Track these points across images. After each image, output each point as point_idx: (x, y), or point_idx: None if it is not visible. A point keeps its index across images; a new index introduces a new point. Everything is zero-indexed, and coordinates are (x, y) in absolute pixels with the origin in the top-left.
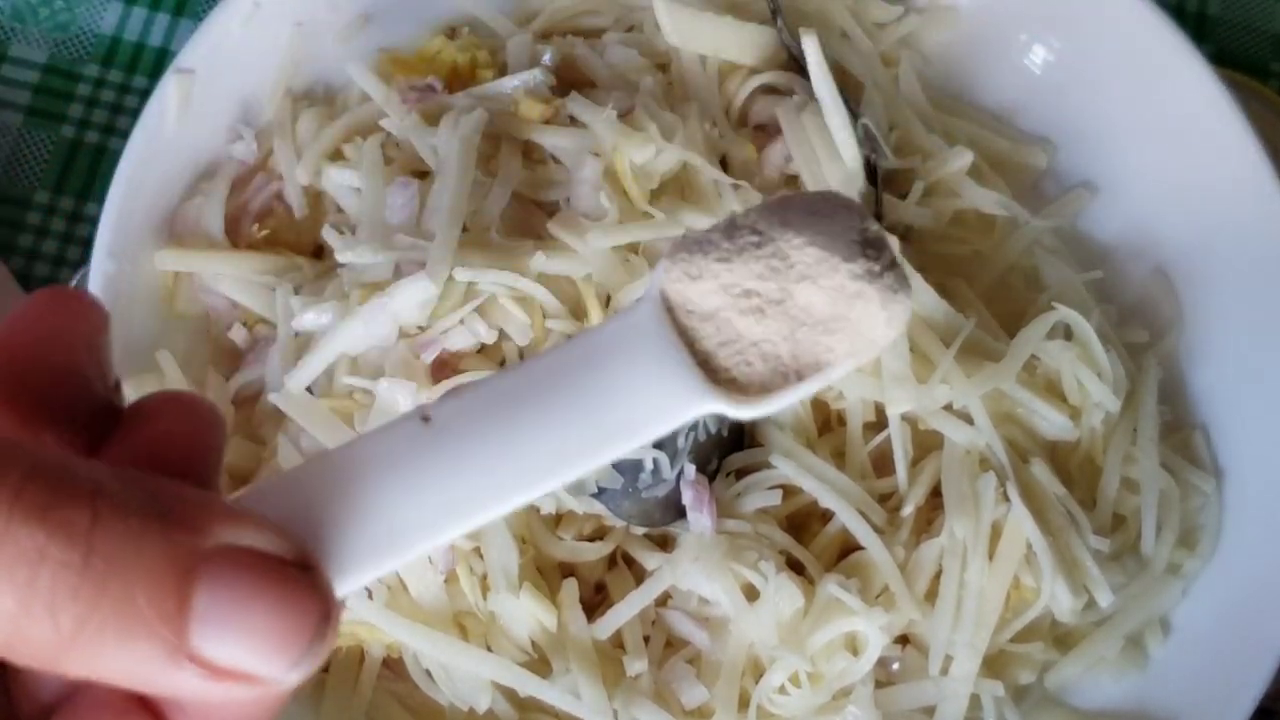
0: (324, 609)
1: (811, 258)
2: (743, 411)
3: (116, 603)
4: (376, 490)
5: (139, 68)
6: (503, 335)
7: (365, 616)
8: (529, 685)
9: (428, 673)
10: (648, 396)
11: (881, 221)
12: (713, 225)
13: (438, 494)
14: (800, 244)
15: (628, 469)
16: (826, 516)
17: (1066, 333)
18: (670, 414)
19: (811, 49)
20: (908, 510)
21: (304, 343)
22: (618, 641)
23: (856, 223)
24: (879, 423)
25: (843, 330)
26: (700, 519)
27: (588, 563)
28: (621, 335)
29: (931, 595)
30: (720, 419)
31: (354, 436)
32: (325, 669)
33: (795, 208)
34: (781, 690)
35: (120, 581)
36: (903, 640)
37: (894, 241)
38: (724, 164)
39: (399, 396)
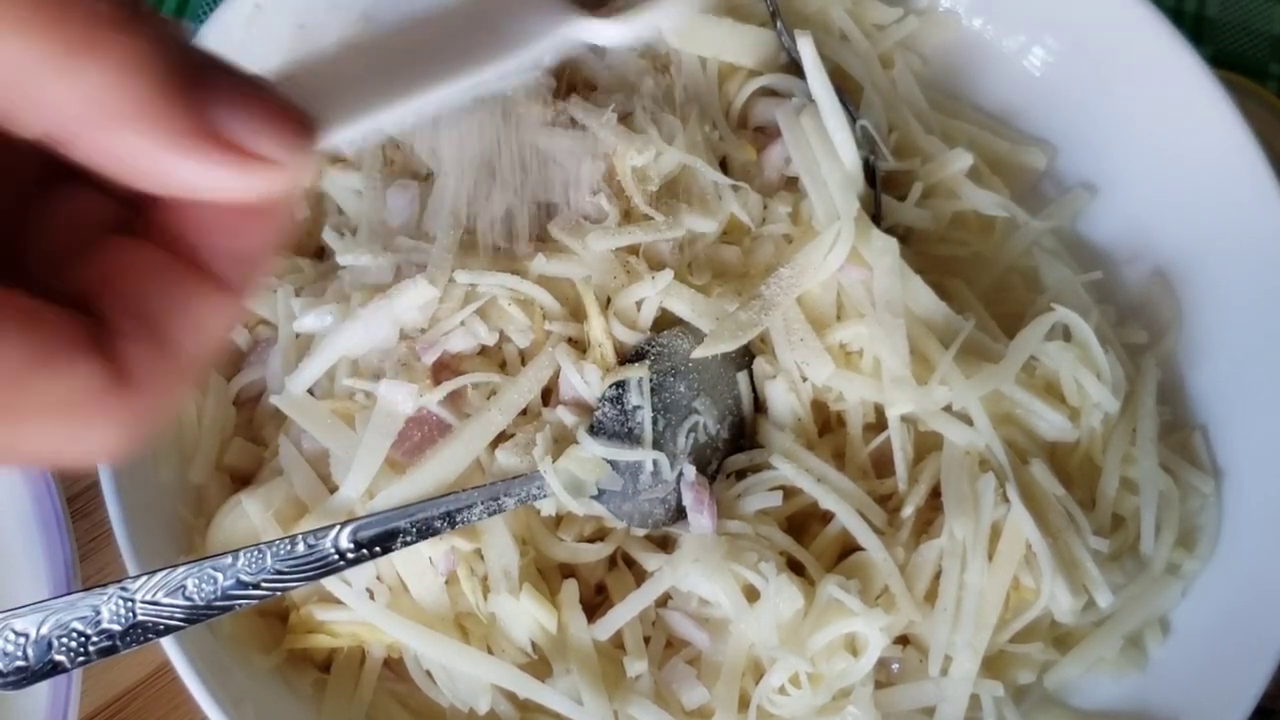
0: (310, 118)
1: None
2: (610, 30)
3: (139, 72)
4: (330, 77)
5: None
6: (503, 337)
7: (367, 617)
8: (528, 688)
9: (428, 674)
10: (526, 19)
11: (881, 223)
12: None
13: (374, 79)
14: None
15: (628, 471)
16: (827, 517)
17: (1065, 334)
18: (546, 31)
19: (807, 51)
20: (908, 511)
21: (305, 344)
22: (618, 642)
23: None
24: (879, 424)
25: None
26: (700, 520)
27: (588, 564)
28: None
29: (931, 596)
30: (718, 420)
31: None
32: (326, 669)
33: None
34: (781, 691)
35: (149, 58)
36: (902, 641)
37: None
38: (724, 166)
39: (400, 398)
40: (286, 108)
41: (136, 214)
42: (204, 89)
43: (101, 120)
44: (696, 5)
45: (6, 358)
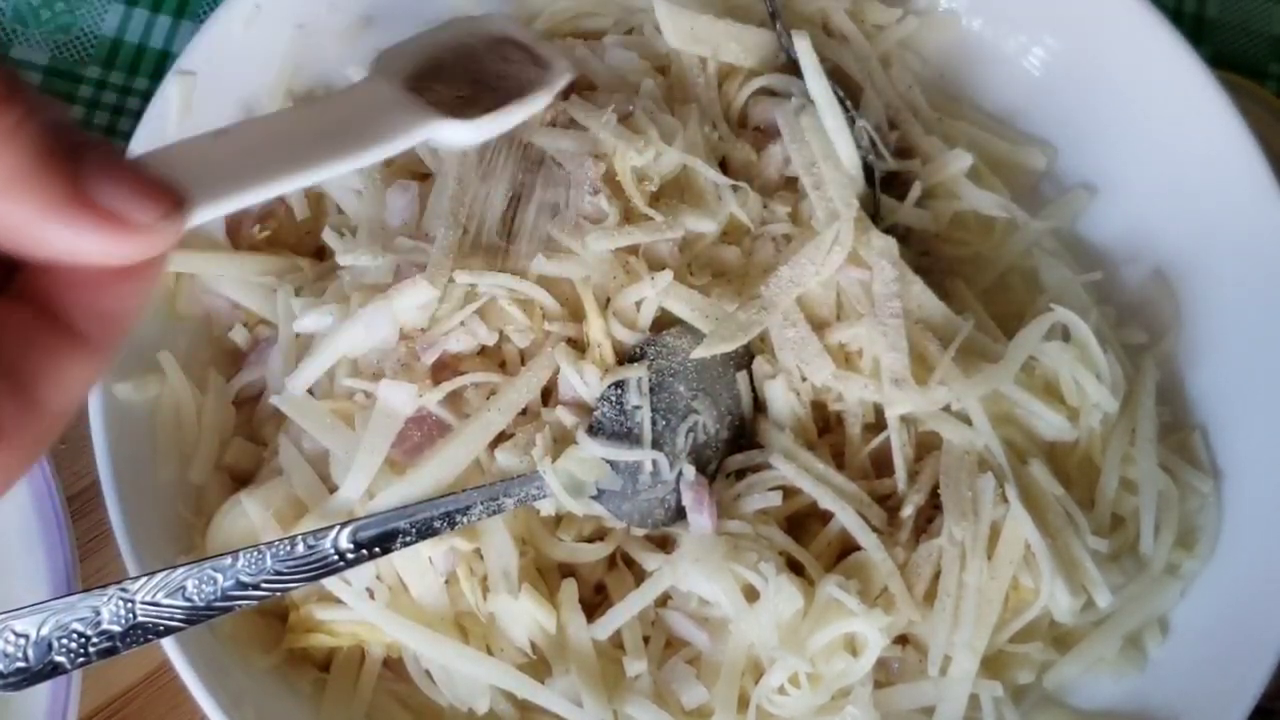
0: (178, 190)
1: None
2: (462, 133)
3: (18, 144)
4: (200, 161)
5: (141, 69)
6: (503, 337)
7: (367, 617)
8: (527, 689)
9: (428, 674)
10: (389, 119)
11: (880, 223)
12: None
13: (242, 162)
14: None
15: (627, 471)
16: (826, 517)
17: (1065, 334)
18: (404, 131)
19: (804, 51)
20: (907, 511)
21: (305, 344)
22: (617, 642)
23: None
24: (879, 424)
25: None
26: (700, 520)
27: (587, 564)
28: (363, 89)
29: (931, 596)
30: (718, 420)
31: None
32: (326, 669)
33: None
34: (781, 691)
35: (25, 135)
36: (902, 640)
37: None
38: (724, 166)
39: (399, 398)
40: (155, 179)
41: (6, 275)
42: (78, 161)
43: None
44: (540, 109)
45: None
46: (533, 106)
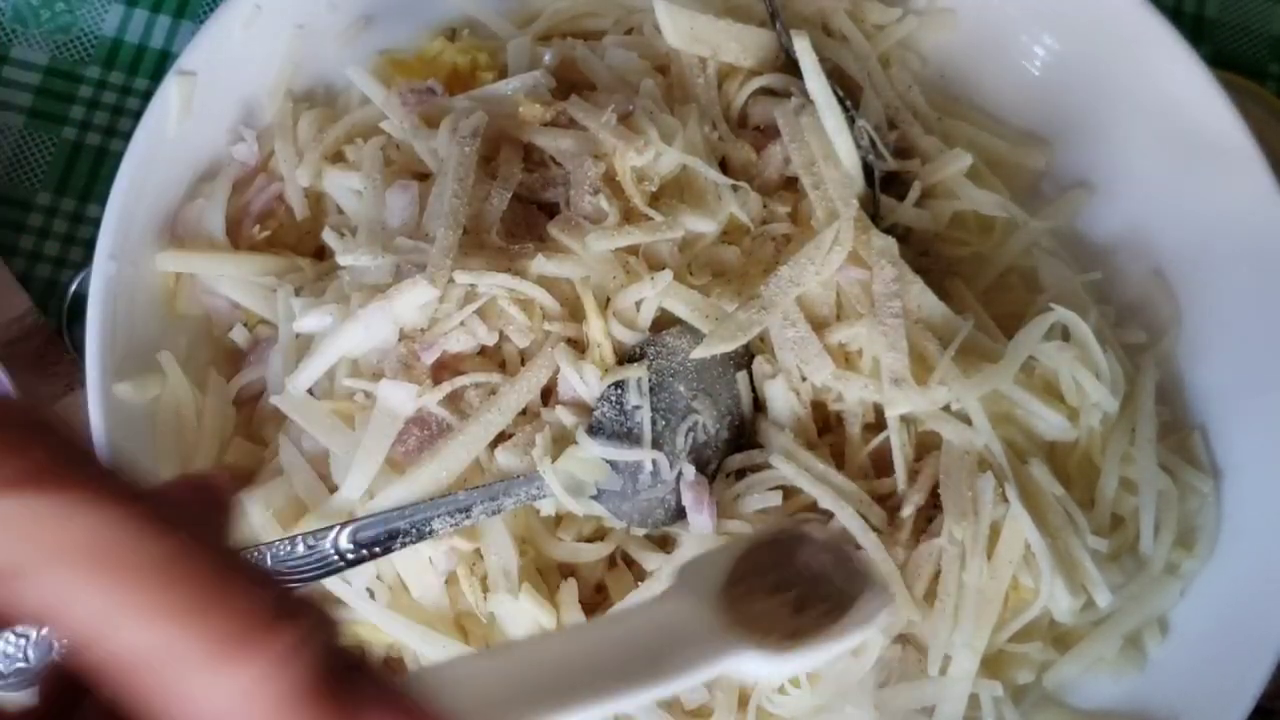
0: None
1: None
2: (770, 667)
3: (289, 673)
4: (480, 685)
5: (140, 70)
6: (503, 337)
7: (367, 617)
8: None
9: None
10: (686, 649)
11: (880, 223)
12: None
13: (520, 689)
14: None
15: (627, 471)
16: (826, 517)
17: (1064, 333)
18: (706, 663)
19: (804, 50)
20: (907, 511)
21: (305, 344)
22: None
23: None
24: (879, 424)
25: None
26: (700, 519)
27: (588, 564)
28: (665, 608)
29: (930, 596)
30: (717, 419)
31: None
32: None
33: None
34: (781, 691)
35: (304, 657)
36: (902, 640)
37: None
38: (724, 165)
39: (400, 398)
40: (432, 713)
41: None
42: (352, 688)
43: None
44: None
45: None
46: (848, 639)
